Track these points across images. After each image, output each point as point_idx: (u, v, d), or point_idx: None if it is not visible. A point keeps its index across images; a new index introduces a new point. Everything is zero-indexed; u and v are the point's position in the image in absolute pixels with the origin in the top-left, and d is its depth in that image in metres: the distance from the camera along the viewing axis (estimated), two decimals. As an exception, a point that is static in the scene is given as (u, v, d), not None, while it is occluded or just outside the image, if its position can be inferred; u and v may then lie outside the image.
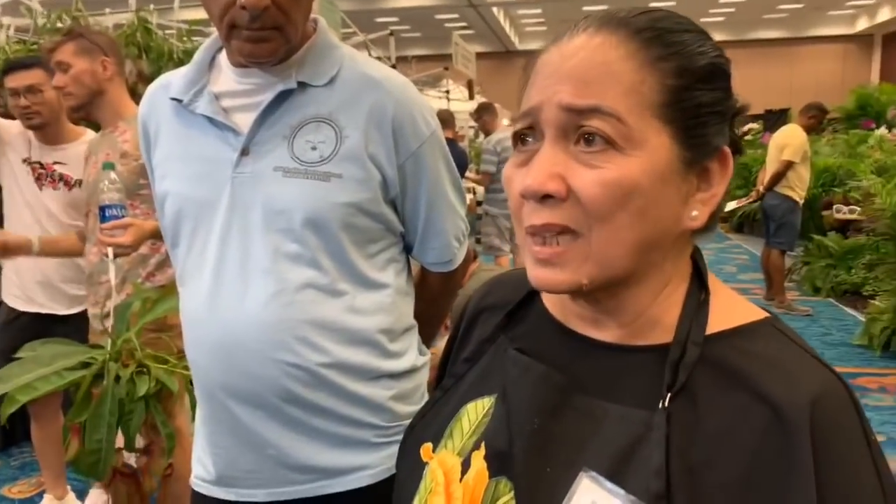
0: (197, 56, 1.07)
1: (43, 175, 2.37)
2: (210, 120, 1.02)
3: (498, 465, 0.57)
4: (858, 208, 5.69)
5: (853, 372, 4.07)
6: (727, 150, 0.55)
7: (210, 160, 1.02)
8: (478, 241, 5.81)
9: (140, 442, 1.62)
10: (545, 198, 0.52)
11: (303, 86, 1.01)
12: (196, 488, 1.11)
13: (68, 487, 2.57)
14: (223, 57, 1.06)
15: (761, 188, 5.39)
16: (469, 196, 7.46)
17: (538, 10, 19.50)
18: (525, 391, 0.59)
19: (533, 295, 0.67)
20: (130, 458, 1.72)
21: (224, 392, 1.02)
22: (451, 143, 5.92)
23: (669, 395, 0.52)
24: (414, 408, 1.05)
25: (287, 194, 0.98)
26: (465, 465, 0.60)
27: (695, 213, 0.54)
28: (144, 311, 1.54)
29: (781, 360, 0.52)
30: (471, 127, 10.30)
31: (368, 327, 1.04)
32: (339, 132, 1.00)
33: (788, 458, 0.48)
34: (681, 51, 0.53)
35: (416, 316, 1.15)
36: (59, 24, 3.84)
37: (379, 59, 6.16)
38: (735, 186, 9.16)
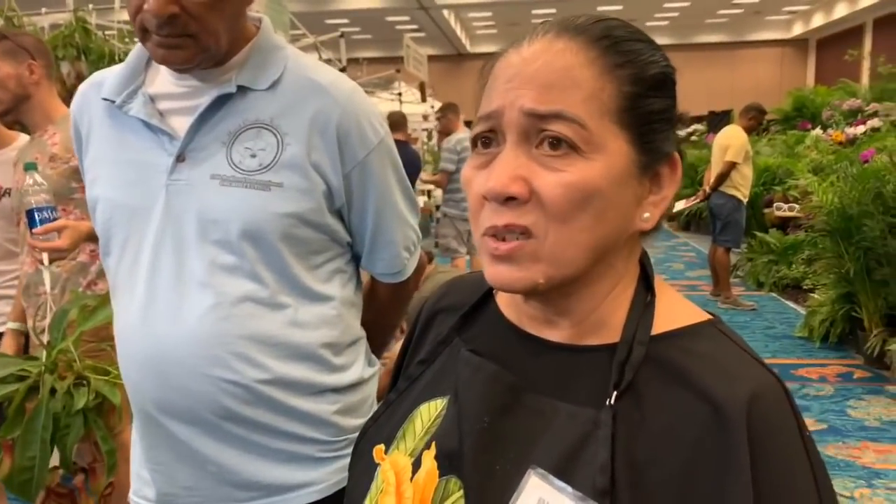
0: (132, 55, 1.03)
1: None
2: (144, 123, 0.98)
3: (448, 464, 0.58)
4: (797, 206, 5.91)
5: (795, 363, 4.22)
6: (677, 155, 0.57)
7: (144, 166, 0.98)
8: (436, 245, 5.81)
9: (83, 459, 1.55)
10: (508, 200, 0.53)
11: (243, 90, 0.97)
12: None
13: (6, 508, 2.45)
14: None
15: (707, 188, 5.55)
16: (423, 199, 7.45)
17: (488, 14, 19.66)
18: (476, 391, 0.60)
19: (488, 297, 0.68)
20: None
21: (157, 409, 0.98)
22: (404, 145, 5.90)
23: (616, 393, 0.53)
24: (361, 421, 1.02)
25: (223, 204, 0.94)
26: (417, 465, 0.60)
27: (647, 214, 0.57)
28: (83, 319, 1.46)
29: (722, 359, 0.54)
30: (423, 129, 10.30)
31: (311, 341, 1.00)
32: (281, 139, 0.96)
33: (726, 453, 0.49)
34: (635, 59, 0.55)
35: (366, 326, 1.12)
36: (-9, 24, 3.67)
37: (329, 61, 6.12)
38: (682, 186, 9.39)
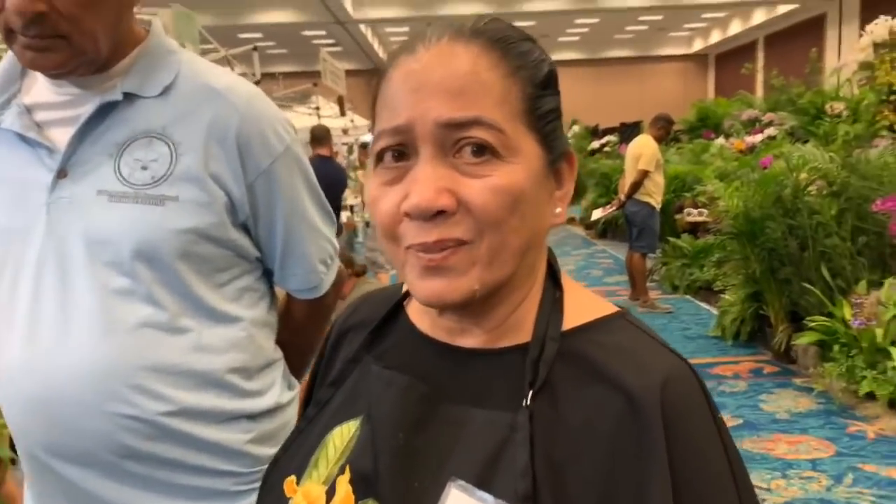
0: (4, 62, 0.94)
1: None
2: (20, 136, 0.89)
3: (364, 486, 0.55)
4: (706, 211, 6.21)
5: (711, 362, 4.40)
6: (571, 150, 0.59)
7: (20, 183, 0.89)
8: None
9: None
10: (436, 214, 0.51)
11: (130, 97, 0.90)
12: None
13: None
14: None
15: (622, 196, 5.75)
16: (346, 214, 7.35)
17: (405, 29, 19.77)
18: (389, 406, 0.58)
19: (398, 310, 0.66)
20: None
21: (48, 452, 0.89)
22: (329, 160, 5.80)
23: (531, 393, 0.52)
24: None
25: (113, 222, 0.86)
26: (331, 493, 0.56)
27: (558, 210, 0.57)
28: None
29: (633, 349, 0.54)
30: (343, 144, 10.20)
31: (219, 367, 0.93)
32: (174, 149, 0.89)
33: (643, 442, 0.50)
34: (529, 60, 0.55)
35: (283, 346, 1.06)
36: None
37: (244, 75, 5.95)
38: (598, 195, 9.76)
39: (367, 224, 6.45)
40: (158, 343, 0.89)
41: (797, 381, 3.98)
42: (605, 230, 9.71)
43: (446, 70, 0.52)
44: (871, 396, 3.40)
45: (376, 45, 21.41)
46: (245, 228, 0.96)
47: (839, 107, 6.46)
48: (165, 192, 0.88)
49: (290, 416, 1.04)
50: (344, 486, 0.55)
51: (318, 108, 9.68)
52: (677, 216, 7.01)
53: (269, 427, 0.99)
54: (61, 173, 0.88)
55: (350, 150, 10.38)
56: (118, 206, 0.87)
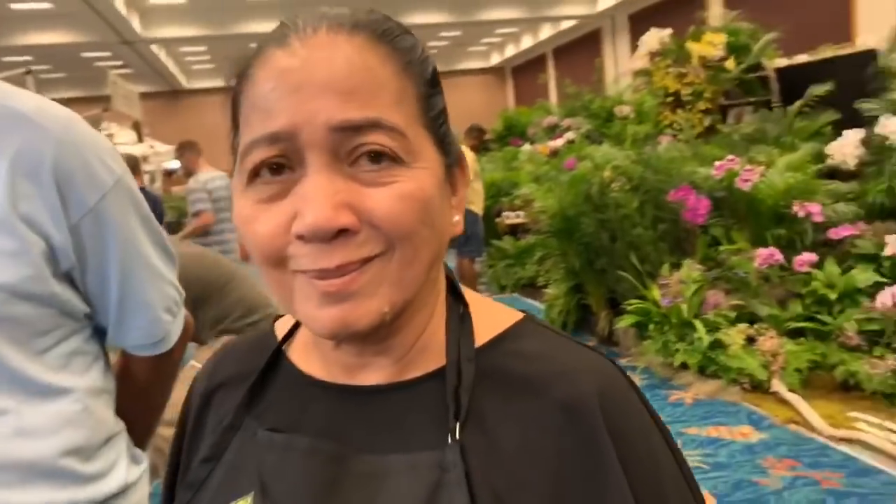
0: None
1: None
2: None
3: None
4: (523, 213, 6.59)
5: (545, 355, 4.65)
6: (462, 152, 0.53)
7: None
8: None
9: None
10: (337, 234, 0.42)
11: None
12: None
13: None
14: None
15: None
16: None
17: (203, 48, 18.76)
18: (289, 477, 0.48)
19: (277, 359, 0.56)
20: None
21: None
22: (143, 191, 5.23)
23: (458, 424, 0.46)
24: None
25: None
26: None
27: (456, 218, 0.52)
28: None
29: (554, 355, 0.50)
30: (146, 172, 9.40)
31: (49, 452, 0.76)
32: None
33: (593, 455, 0.46)
34: (417, 56, 0.48)
35: (123, 414, 0.89)
36: None
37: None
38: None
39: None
40: None
41: (623, 361, 4.32)
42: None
43: (334, 65, 0.44)
44: (684, 366, 3.79)
45: (172, 66, 20.09)
46: (70, 279, 0.80)
47: (626, 109, 7.20)
48: None
49: (141, 495, 0.88)
50: None
51: (111, 136, 8.82)
52: (497, 220, 7.36)
53: None
54: None
55: (152, 179, 9.59)
56: None
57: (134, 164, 5.39)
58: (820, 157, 4.46)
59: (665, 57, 5.55)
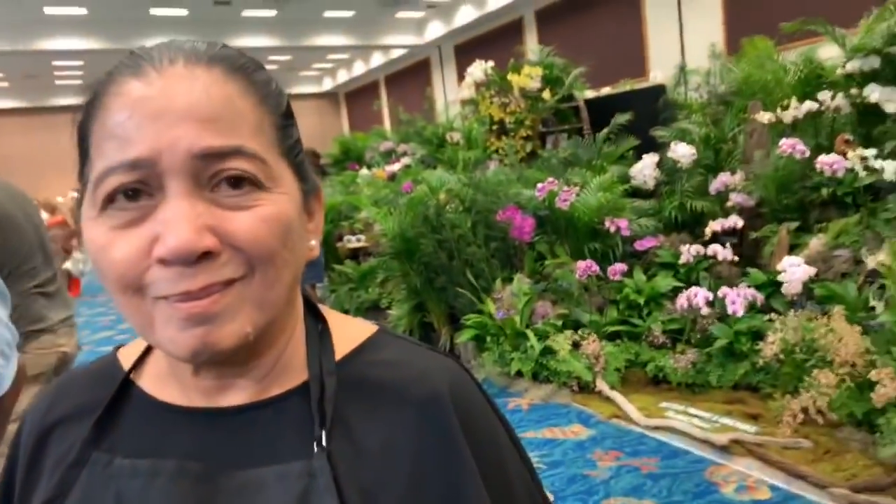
0: None
1: None
2: None
3: None
4: (363, 237, 6.64)
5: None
6: (319, 183, 0.57)
7: None
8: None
9: None
10: (200, 257, 0.44)
11: None
12: None
13: None
14: None
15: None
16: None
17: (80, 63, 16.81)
18: (157, 500, 0.49)
19: (125, 388, 0.55)
20: None
21: None
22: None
23: (324, 432, 0.50)
24: None
25: None
26: None
27: (313, 242, 0.55)
28: None
29: (408, 360, 0.55)
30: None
31: None
32: None
33: (447, 446, 0.51)
34: (272, 90, 0.52)
35: None
36: None
37: None
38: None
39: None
40: None
41: (464, 374, 4.51)
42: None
43: (193, 95, 0.46)
44: (520, 374, 4.05)
45: None
46: None
47: (456, 136, 7.56)
48: None
49: None
50: None
51: None
52: (338, 244, 7.34)
53: None
54: None
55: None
56: None
57: None
58: (625, 178, 5.04)
59: (489, 87, 5.95)
